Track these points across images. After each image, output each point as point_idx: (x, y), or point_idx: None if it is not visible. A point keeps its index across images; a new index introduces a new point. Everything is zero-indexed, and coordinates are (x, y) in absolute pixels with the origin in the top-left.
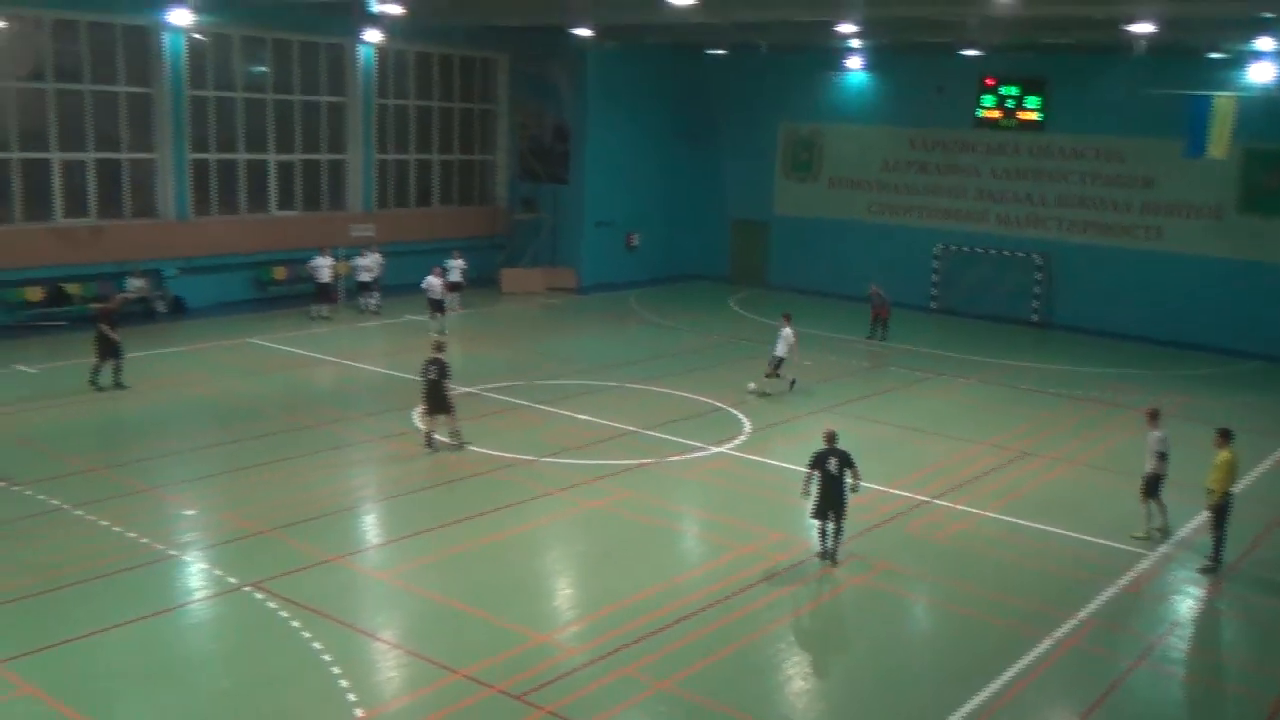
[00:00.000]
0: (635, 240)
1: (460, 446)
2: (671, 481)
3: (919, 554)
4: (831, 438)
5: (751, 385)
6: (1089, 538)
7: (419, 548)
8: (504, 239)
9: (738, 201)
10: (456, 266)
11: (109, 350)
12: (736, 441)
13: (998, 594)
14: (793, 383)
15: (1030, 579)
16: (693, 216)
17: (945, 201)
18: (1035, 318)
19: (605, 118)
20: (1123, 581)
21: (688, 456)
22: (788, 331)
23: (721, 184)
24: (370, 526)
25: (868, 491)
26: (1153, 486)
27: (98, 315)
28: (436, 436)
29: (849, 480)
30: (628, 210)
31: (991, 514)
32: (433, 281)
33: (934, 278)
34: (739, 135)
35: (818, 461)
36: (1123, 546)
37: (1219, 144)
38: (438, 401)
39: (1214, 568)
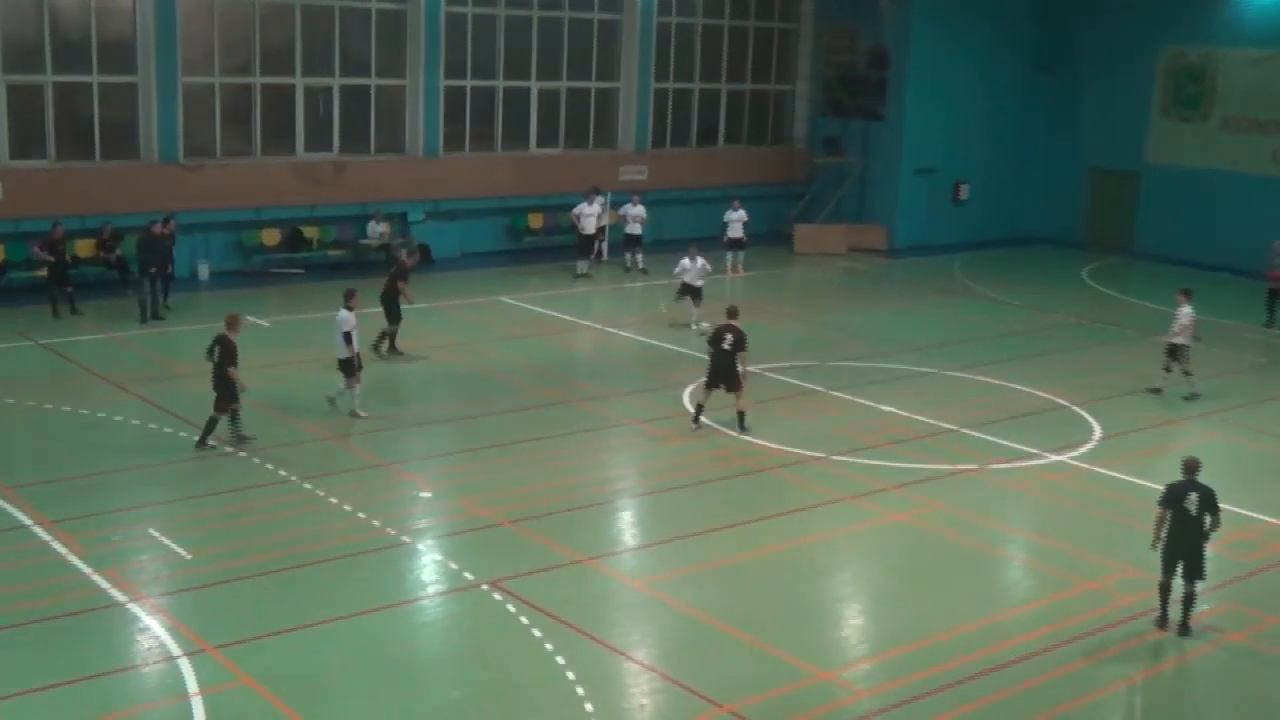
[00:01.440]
0: (964, 193)
1: (743, 431)
2: (996, 494)
3: None
4: (1192, 467)
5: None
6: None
7: (683, 554)
8: (800, 187)
9: (1098, 146)
10: (737, 219)
11: (397, 314)
12: (1082, 449)
13: None
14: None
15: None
16: (1038, 164)
17: None
18: None
19: (933, 40)
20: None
21: (1018, 464)
22: (1186, 310)
23: (1078, 123)
24: (628, 525)
25: (1252, 525)
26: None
27: (395, 273)
28: (704, 420)
29: (1208, 527)
30: (956, 155)
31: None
32: (686, 265)
33: None
34: (1104, 61)
35: (1172, 497)
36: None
37: None
38: (728, 375)
39: None
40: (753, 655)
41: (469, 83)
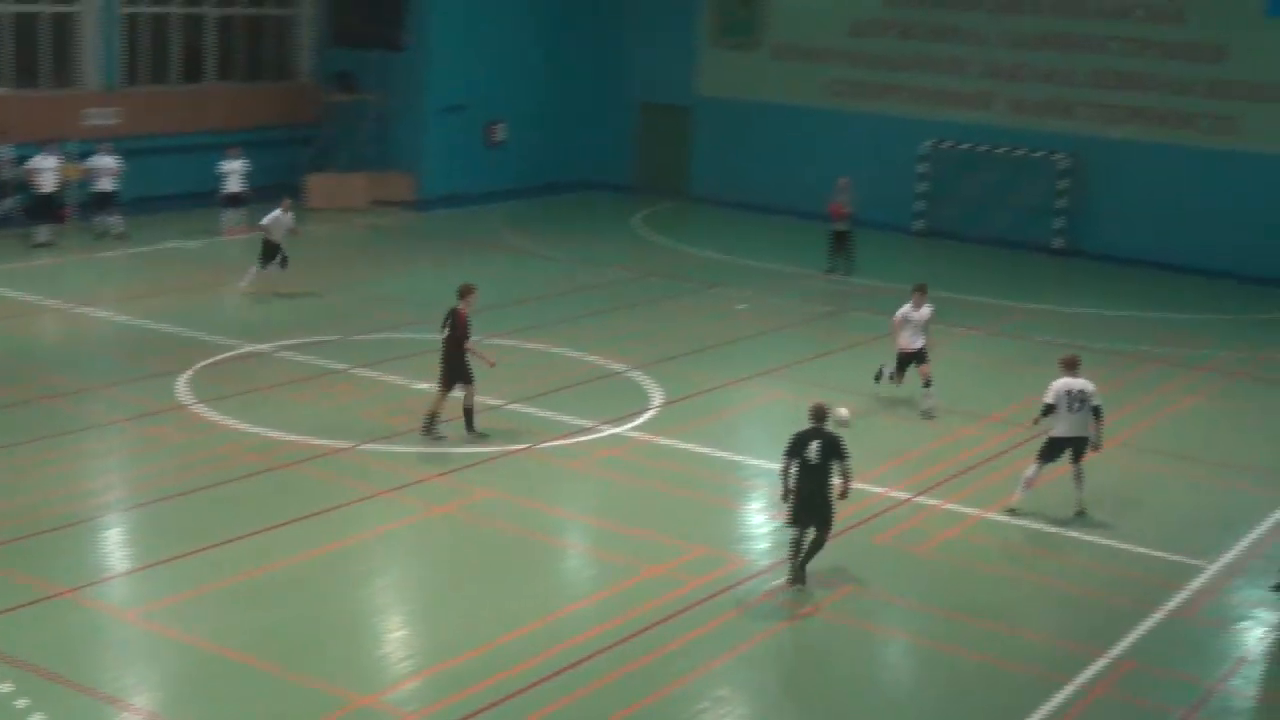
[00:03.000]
0: (500, 133)
1: (472, 432)
2: (550, 475)
3: (894, 573)
4: (819, 413)
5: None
6: (1130, 547)
7: (187, 576)
8: (311, 130)
9: (647, 78)
10: (235, 170)
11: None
12: (641, 419)
13: (1002, 626)
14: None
15: (1048, 605)
16: (583, 99)
17: (937, 80)
18: (1059, 243)
19: None
20: (1171, 605)
21: (573, 440)
22: (925, 312)
23: (624, 53)
24: (116, 546)
25: None
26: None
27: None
28: (439, 423)
29: (835, 478)
30: (490, 90)
31: (996, 517)
32: (279, 217)
33: (920, 187)
34: None
35: (796, 447)
36: (1174, 558)
37: None
38: (455, 368)
39: None
40: (278, 687)
41: None
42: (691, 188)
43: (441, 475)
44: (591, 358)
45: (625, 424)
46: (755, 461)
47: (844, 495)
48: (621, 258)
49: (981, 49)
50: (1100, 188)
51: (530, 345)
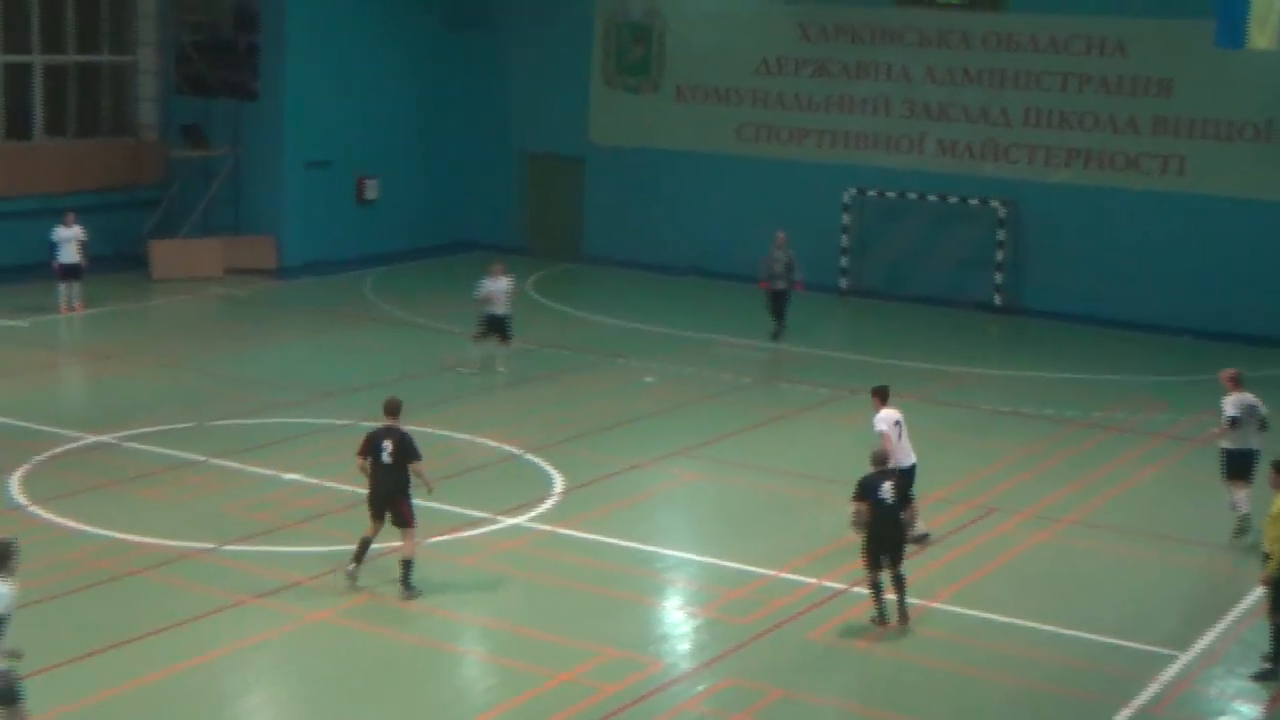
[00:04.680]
0: (371, 190)
1: (408, 591)
2: (441, 572)
3: (829, 673)
4: (882, 459)
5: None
6: (1092, 636)
7: (27, 699)
8: (155, 191)
9: (534, 125)
10: (70, 238)
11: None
12: (542, 508)
13: None
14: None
15: (1005, 705)
16: (464, 149)
17: (858, 121)
18: (997, 299)
19: None
20: (1141, 700)
21: (465, 534)
22: (888, 420)
23: (508, 96)
24: None
25: (748, 580)
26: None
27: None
28: (356, 567)
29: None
30: (358, 142)
31: (941, 605)
32: (488, 288)
33: (843, 240)
34: (533, 17)
35: (868, 490)
36: (1141, 646)
37: (1265, 28)
38: (394, 500)
39: (1273, 672)
40: None
41: None
42: (588, 247)
43: (314, 577)
44: (483, 440)
45: (524, 514)
46: (671, 552)
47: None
48: (516, 326)
49: (906, 86)
50: (1040, 237)
51: (412, 428)
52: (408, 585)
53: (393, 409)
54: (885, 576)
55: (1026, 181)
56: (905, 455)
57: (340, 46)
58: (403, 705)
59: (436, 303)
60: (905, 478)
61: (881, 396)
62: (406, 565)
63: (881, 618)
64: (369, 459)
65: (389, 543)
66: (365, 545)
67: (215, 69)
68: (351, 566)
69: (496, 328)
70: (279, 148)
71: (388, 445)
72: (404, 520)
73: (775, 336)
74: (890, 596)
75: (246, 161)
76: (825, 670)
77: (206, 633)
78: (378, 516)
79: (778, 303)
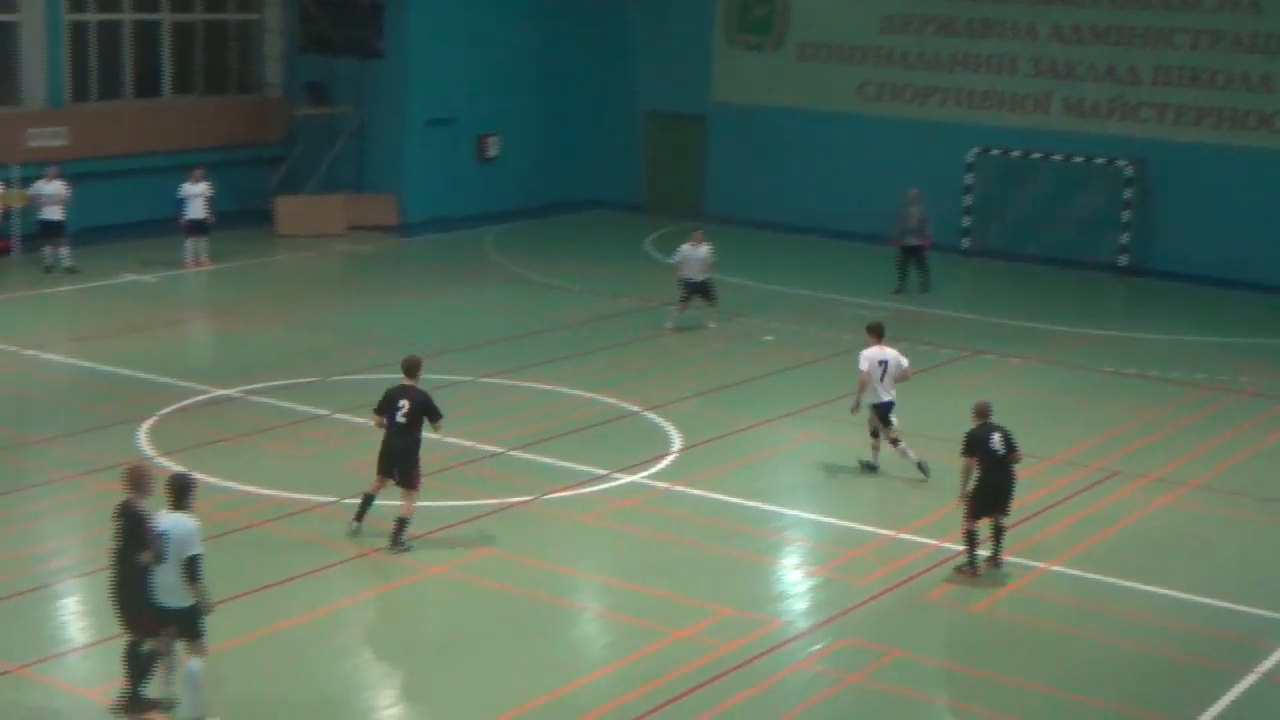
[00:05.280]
0: (493, 148)
1: (398, 546)
2: (558, 530)
3: (946, 634)
4: (984, 411)
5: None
6: (1213, 601)
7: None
8: (280, 149)
9: (656, 84)
10: (198, 194)
11: None
12: (659, 466)
13: (1066, 692)
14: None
15: (1121, 667)
16: (585, 109)
17: (982, 80)
18: (1123, 260)
19: None
20: (1265, 666)
21: (583, 490)
22: (871, 359)
23: (629, 55)
24: (74, 617)
25: (866, 540)
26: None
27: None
28: (359, 525)
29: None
30: (480, 101)
31: (1059, 568)
32: (686, 253)
33: (966, 200)
34: None
35: (976, 445)
36: (1261, 612)
37: None
38: (403, 460)
39: None
40: None
41: None
42: (708, 205)
43: (435, 532)
44: (601, 398)
45: (641, 471)
46: (788, 511)
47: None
48: (632, 286)
49: (1032, 44)
50: (1169, 198)
51: (531, 385)
52: (398, 542)
53: (410, 368)
54: (985, 526)
55: (1155, 141)
56: (883, 392)
57: (464, 5)
58: (516, 660)
59: (556, 260)
60: (881, 411)
61: (876, 334)
62: (402, 524)
63: (971, 566)
64: (384, 417)
65: (509, 498)
66: (368, 501)
67: (339, 27)
68: (355, 525)
69: (698, 291)
70: (402, 106)
71: (404, 405)
72: (410, 483)
73: (898, 292)
74: (982, 552)
75: (369, 120)
76: (942, 632)
77: (329, 584)
78: (385, 472)
79: (909, 258)
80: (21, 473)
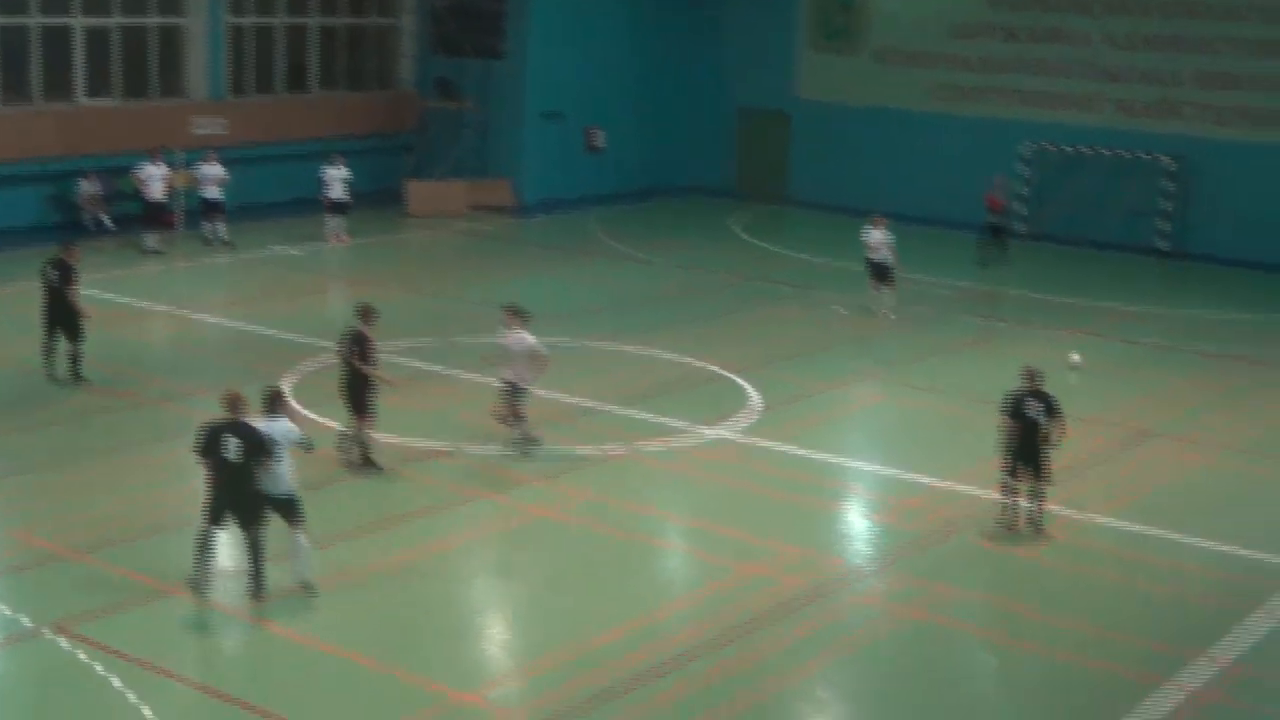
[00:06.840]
0: (600, 139)
1: (369, 466)
2: (648, 477)
3: (993, 575)
4: (1033, 375)
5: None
6: (1235, 549)
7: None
8: (411, 138)
9: (746, 82)
10: (338, 178)
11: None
12: (741, 422)
13: (1100, 629)
14: None
15: (1151, 608)
16: (681, 104)
17: (1040, 81)
18: (1163, 245)
19: None
20: None
21: (672, 443)
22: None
23: (723, 57)
24: (226, 545)
25: (920, 492)
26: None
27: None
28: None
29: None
30: (589, 97)
31: (1098, 518)
32: (875, 236)
33: (1023, 190)
34: None
35: (1015, 407)
36: None
37: None
38: (353, 394)
39: None
40: (377, 681)
41: None
42: (791, 192)
43: (539, 478)
44: (690, 361)
45: (724, 427)
46: (855, 464)
47: (1057, 444)
48: (720, 262)
49: (1087, 50)
50: (1206, 189)
51: (628, 348)
52: (369, 460)
53: (363, 312)
54: (1023, 485)
55: (1194, 138)
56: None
57: (576, 12)
58: (607, 591)
59: (654, 239)
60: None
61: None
62: (363, 446)
63: (1010, 516)
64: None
65: (608, 447)
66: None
67: (466, 32)
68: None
69: (878, 274)
70: (519, 101)
71: (343, 346)
72: (363, 410)
73: (982, 265)
74: (1022, 502)
75: (490, 113)
76: (991, 573)
77: (442, 523)
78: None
79: (993, 234)
80: (184, 419)
